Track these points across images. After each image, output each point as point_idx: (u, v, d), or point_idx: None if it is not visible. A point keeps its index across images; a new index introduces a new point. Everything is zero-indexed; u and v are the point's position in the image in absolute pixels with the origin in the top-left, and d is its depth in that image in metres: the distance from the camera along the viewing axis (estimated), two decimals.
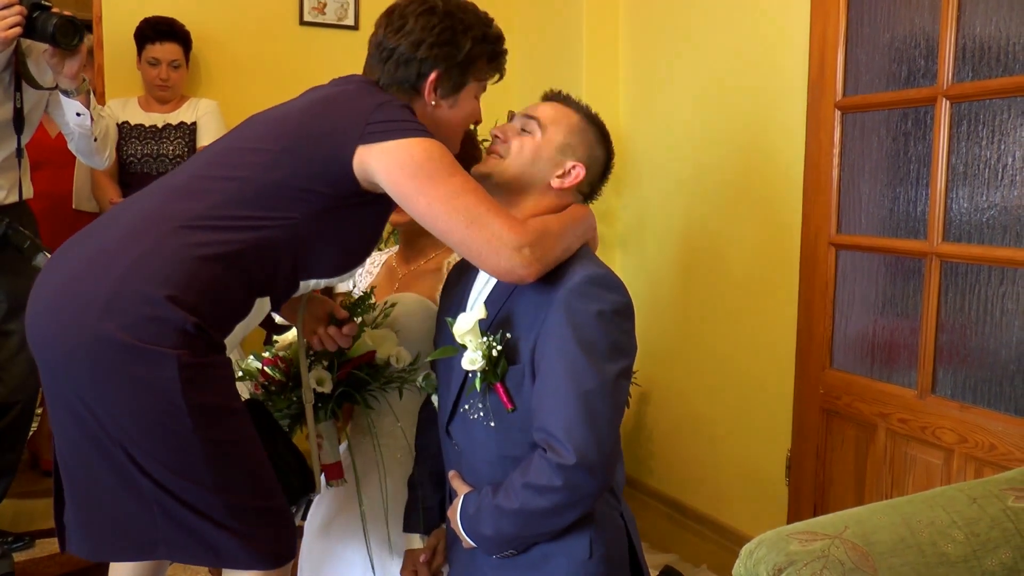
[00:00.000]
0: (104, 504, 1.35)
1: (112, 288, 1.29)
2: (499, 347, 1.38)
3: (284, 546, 1.40)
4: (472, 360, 1.38)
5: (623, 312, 1.39)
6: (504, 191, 1.48)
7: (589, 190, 1.55)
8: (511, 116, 1.56)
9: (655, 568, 2.80)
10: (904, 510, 1.33)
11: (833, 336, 2.45)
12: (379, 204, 1.45)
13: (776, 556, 1.23)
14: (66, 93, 2.39)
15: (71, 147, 2.61)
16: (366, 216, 1.47)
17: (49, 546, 2.90)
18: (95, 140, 2.51)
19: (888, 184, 2.28)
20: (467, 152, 1.87)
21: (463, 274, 1.61)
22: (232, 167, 1.40)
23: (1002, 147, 1.99)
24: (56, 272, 1.37)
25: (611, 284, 1.39)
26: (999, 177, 2.00)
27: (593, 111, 1.56)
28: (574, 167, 1.48)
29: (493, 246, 1.33)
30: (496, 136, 1.52)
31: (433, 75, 1.49)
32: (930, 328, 2.14)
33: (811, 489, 2.50)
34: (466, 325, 1.38)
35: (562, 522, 1.37)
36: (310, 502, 1.67)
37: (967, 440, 2.05)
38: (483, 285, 1.52)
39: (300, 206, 1.38)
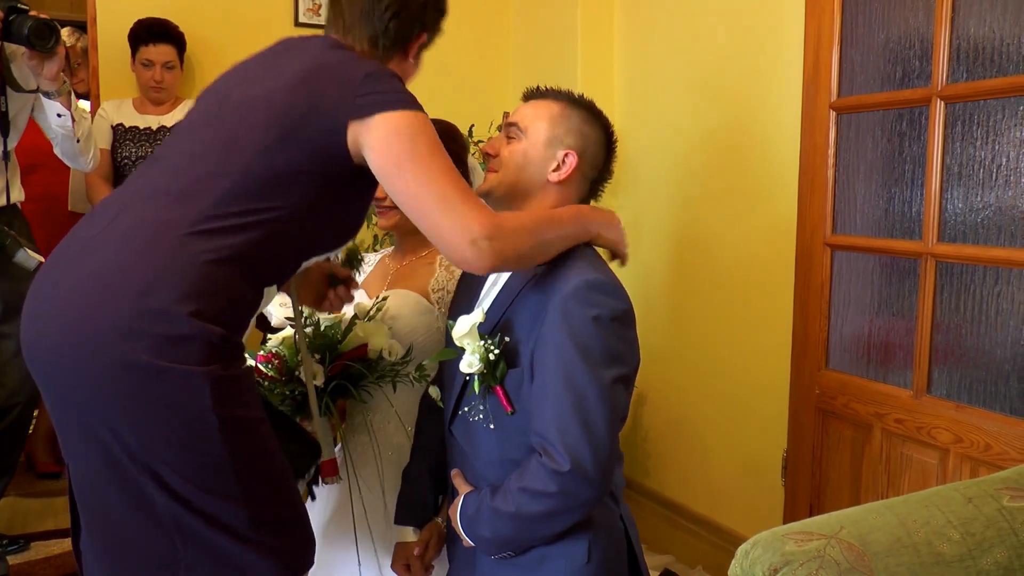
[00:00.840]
0: (122, 532, 1.32)
1: (131, 310, 1.24)
2: (496, 350, 1.38)
3: (304, 554, 1.39)
4: (469, 363, 1.38)
5: (621, 319, 1.38)
6: (507, 201, 1.49)
7: (595, 172, 1.53)
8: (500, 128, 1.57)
9: (654, 570, 2.80)
10: (900, 510, 1.33)
11: (829, 336, 2.45)
12: (371, 174, 1.41)
13: (772, 556, 1.23)
14: (47, 95, 2.41)
15: (57, 151, 2.61)
16: (361, 188, 1.44)
17: (44, 549, 2.89)
18: (78, 141, 2.51)
19: (883, 185, 2.29)
20: (456, 153, 1.87)
21: (471, 278, 1.61)
22: (224, 160, 1.35)
23: (996, 147, 1.99)
24: (59, 290, 1.31)
25: (609, 289, 1.37)
26: (993, 177, 2.00)
27: (577, 93, 1.53)
28: (566, 155, 1.47)
29: (456, 233, 1.30)
30: (487, 153, 1.51)
31: (424, 36, 1.50)
32: (925, 328, 2.14)
33: (807, 489, 2.50)
34: (463, 328, 1.38)
35: (558, 526, 1.37)
36: (319, 469, 1.66)
37: (962, 440, 2.05)
38: (489, 287, 1.52)
39: (299, 190, 1.35)
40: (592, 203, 1.58)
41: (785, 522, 2.53)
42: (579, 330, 1.33)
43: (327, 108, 1.35)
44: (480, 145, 3.32)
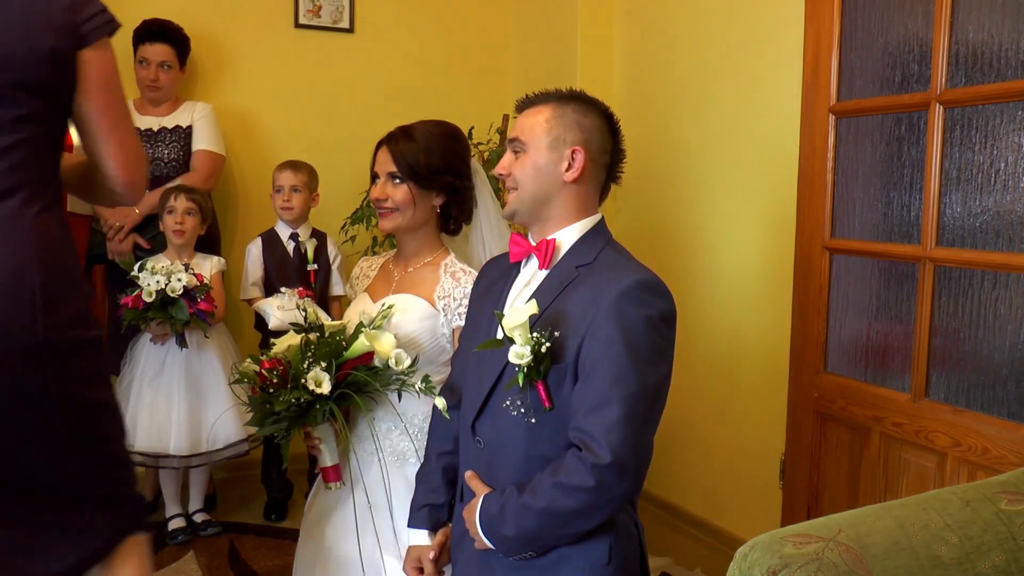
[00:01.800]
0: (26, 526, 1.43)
1: (39, 307, 1.32)
2: (548, 344, 1.37)
3: (142, 505, 1.61)
4: (520, 355, 1.37)
5: (669, 319, 1.41)
6: (531, 215, 1.51)
7: (607, 157, 1.53)
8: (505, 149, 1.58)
9: (652, 572, 2.80)
10: (898, 513, 1.33)
11: (827, 340, 2.46)
12: None
13: (770, 558, 1.23)
14: None
15: None
16: None
17: None
18: None
19: (882, 189, 2.29)
20: (459, 154, 1.86)
21: (498, 269, 1.61)
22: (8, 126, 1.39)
23: (995, 152, 2.00)
24: None
25: (661, 290, 1.41)
26: (992, 182, 2.01)
27: (566, 89, 1.55)
28: (574, 152, 1.48)
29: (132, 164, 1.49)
30: (500, 174, 1.54)
31: None
32: (923, 332, 2.15)
33: (805, 493, 2.51)
34: (517, 319, 1.37)
35: (587, 525, 1.37)
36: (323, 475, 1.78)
37: (960, 444, 2.06)
38: (528, 279, 1.53)
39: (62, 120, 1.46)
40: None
41: (782, 525, 2.53)
42: (632, 329, 1.35)
43: (56, 42, 1.39)
44: (480, 147, 3.32)
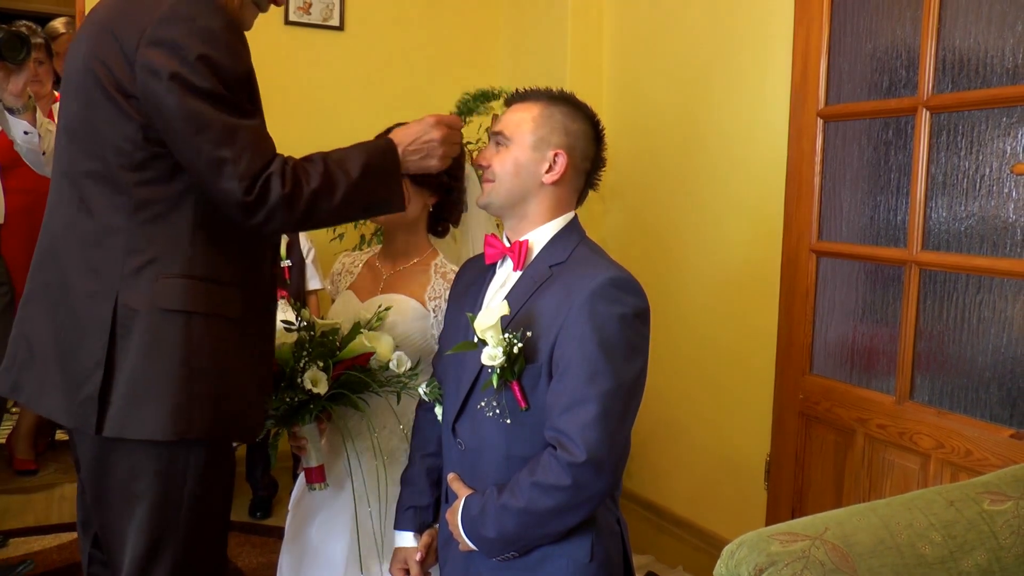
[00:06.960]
0: None
1: None
2: (520, 344, 1.38)
3: None
4: (492, 356, 1.37)
5: (642, 316, 1.41)
6: (506, 209, 1.51)
7: (588, 164, 1.54)
8: (489, 139, 1.57)
9: (638, 570, 2.81)
10: (883, 512, 1.35)
11: (813, 342, 2.47)
12: None
13: (757, 556, 1.24)
14: (11, 111, 2.28)
15: (23, 157, 2.52)
16: None
17: (23, 545, 2.87)
18: (43, 154, 2.41)
19: (869, 192, 2.31)
20: (456, 157, 1.86)
21: (475, 270, 1.62)
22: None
23: (980, 158, 2.02)
24: None
25: (633, 288, 1.41)
26: (977, 187, 2.03)
27: (558, 90, 1.54)
28: (556, 155, 1.48)
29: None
30: (480, 165, 1.53)
31: None
32: (908, 335, 2.17)
33: (789, 493, 2.52)
34: (488, 320, 1.37)
35: (566, 523, 1.37)
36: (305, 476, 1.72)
37: (944, 446, 2.08)
38: (503, 281, 1.53)
39: None
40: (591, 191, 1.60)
41: (767, 525, 2.55)
42: (605, 327, 1.35)
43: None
44: (469, 147, 3.32)
